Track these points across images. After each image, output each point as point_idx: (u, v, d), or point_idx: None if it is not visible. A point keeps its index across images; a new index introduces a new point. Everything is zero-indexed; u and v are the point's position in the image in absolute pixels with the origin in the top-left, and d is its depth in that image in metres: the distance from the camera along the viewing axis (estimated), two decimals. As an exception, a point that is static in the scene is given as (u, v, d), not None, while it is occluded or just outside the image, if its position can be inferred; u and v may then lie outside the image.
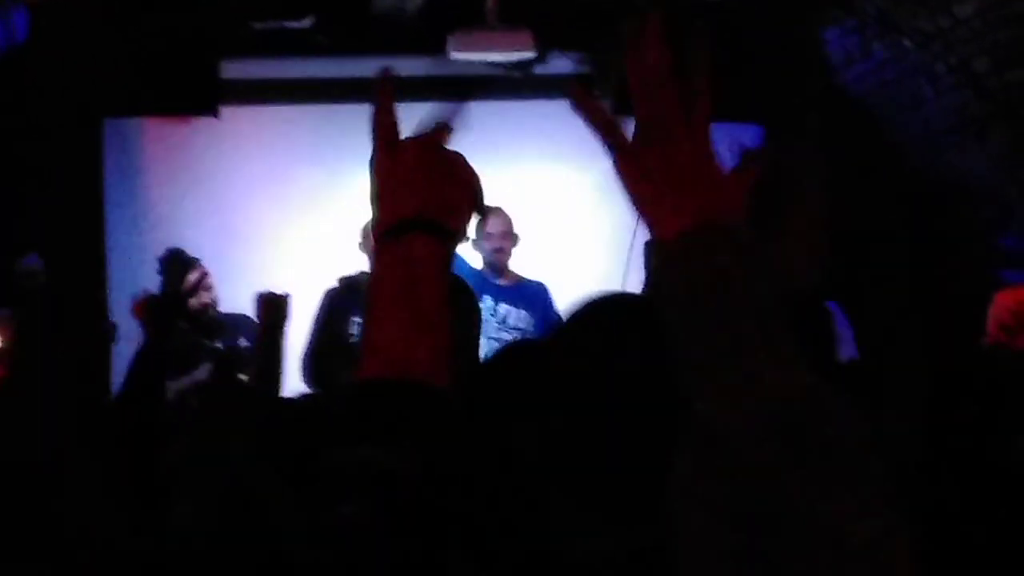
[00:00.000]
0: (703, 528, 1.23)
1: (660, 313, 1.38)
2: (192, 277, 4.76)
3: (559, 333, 1.91)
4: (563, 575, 1.64)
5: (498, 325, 7.58)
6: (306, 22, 8.16)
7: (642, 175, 1.48)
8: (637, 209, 1.47)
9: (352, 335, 7.06)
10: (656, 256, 1.43)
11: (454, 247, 1.61)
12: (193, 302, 6.23)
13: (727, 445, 1.24)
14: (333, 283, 7.54)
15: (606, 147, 1.53)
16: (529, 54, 8.00)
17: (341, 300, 7.21)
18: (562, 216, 9.12)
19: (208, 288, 6.64)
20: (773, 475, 1.21)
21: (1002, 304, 5.96)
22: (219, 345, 7.03)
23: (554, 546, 1.65)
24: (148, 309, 4.55)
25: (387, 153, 1.65)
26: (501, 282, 7.67)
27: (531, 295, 7.72)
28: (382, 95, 1.68)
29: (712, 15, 7.86)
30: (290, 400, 4.73)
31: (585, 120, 1.53)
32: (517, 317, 7.64)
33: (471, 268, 7.57)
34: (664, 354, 1.73)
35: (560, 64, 8.78)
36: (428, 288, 1.56)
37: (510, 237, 7.71)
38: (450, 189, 1.66)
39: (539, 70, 8.67)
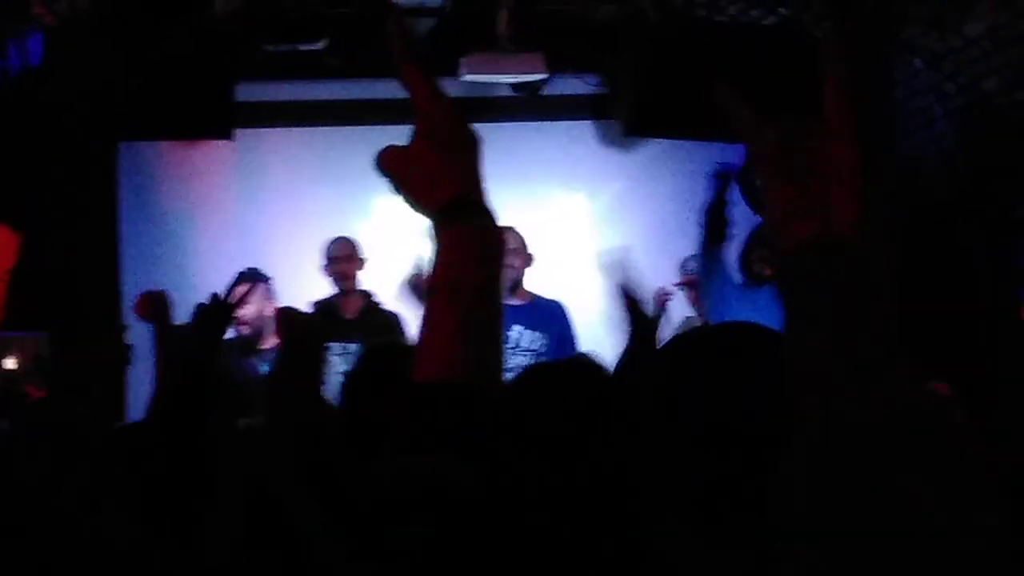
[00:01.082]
0: (813, 518, 1.27)
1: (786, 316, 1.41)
2: (239, 290, 4.77)
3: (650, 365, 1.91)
4: None
5: (511, 349, 7.53)
6: (319, 45, 8.20)
7: (783, 175, 1.49)
8: (768, 207, 1.49)
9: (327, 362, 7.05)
10: (781, 262, 1.45)
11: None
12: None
13: (847, 444, 1.28)
14: (308, 309, 7.55)
15: (749, 145, 1.55)
16: (542, 76, 8.04)
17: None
18: (570, 238, 9.14)
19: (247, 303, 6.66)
20: (894, 477, 1.24)
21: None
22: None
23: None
24: (196, 317, 4.56)
25: (434, 127, 1.64)
26: (514, 302, 7.61)
27: (546, 315, 7.66)
28: (408, 63, 1.67)
29: (713, 35, 7.90)
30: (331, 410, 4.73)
31: (732, 119, 1.55)
32: (531, 339, 7.58)
33: None
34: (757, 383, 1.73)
35: (572, 85, 8.81)
36: (496, 276, 1.56)
37: (521, 255, 7.67)
38: (478, 166, 1.66)
39: (551, 91, 8.71)
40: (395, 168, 1.65)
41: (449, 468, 1.34)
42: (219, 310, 4.48)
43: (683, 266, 8.12)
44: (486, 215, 1.60)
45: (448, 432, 1.39)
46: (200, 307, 4.67)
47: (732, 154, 8.10)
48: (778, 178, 1.50)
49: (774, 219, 1.48)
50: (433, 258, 1.59)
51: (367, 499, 1.36)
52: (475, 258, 1.55)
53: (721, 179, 7.62)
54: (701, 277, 7.70)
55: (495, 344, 1.53)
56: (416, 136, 1.65)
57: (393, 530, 1.30)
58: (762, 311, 7.08)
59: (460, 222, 1.58)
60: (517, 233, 7.63)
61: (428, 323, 1.53)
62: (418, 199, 1.63)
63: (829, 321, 1.37)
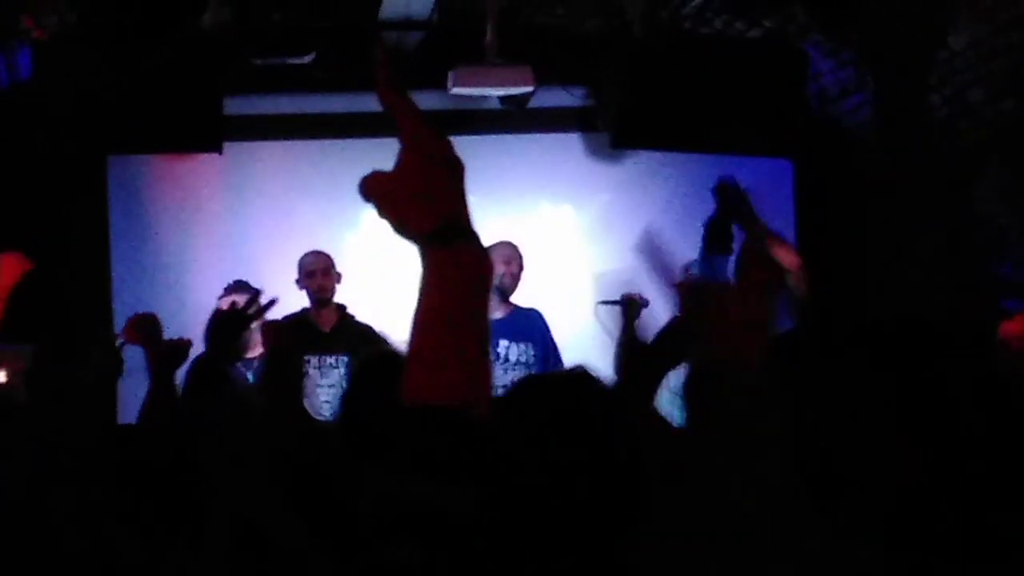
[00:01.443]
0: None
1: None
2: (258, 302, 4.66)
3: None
4: None
5: (501, 364, 7.48)
6: (307, 59, 8.22)
7: (698, 309, 1.62)
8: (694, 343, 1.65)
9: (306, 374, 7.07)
10: (689, 372, 1.60)
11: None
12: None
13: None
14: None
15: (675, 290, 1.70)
16: (529, 88, 8.06)
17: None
18: (558, 250, 9.15)
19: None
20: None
21: (1009, 332, 5.96)
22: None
23: None
24: (211, 324, 4.53)
25: (421, 152, 1.68)
26: (496, 315, 7.59)
27: (528, 324, 7.67)
28: (402, 105, 1.73)
29: (699, 48, 7.94)
30: (315, 423, 4.73)
31: (660, 278, 1.71)
32: (518, 352, 7.58)
33: None
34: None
35: (559, 98, 8.84)
36: (484, 299, 1.61)
37: (518, 263, 7.69)
38: (464, 189, 1.70)
39: (538, 104, 8.73)
40: (381, 193, 1.68)
41: (440, 490, 1.37)
42: (235, 319, 4.45)
43: (687, 270, 8.07)
44: (474, 239, 1.64)
45: (438, 454, 1.42)
46: (216, 313, 4.67)
47: (723, 166, 8.15)
48: (699, 320, 1.62)
49: (696, 353, 1.62)
50: (422, 281, 1.62)
51: (359, 519, 1.38)
52: (464, 282, 1.59)
53: (724, 191, 7.60)
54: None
55: (484, 366, 1.57)
56: (402, 161, 1.68)
57: (384, 551, 1.32)
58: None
59: (449, 246, 1.61)
60: (513, 244, 7.65)
61: (417, 346, 1.57)
62: (406, 223, 1.66)
63: (716, 435, 1.49)
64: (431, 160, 1.70)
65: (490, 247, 7.40)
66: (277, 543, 2.67)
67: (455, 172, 1.72)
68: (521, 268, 7.75)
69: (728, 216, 7.56)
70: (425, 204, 1.67)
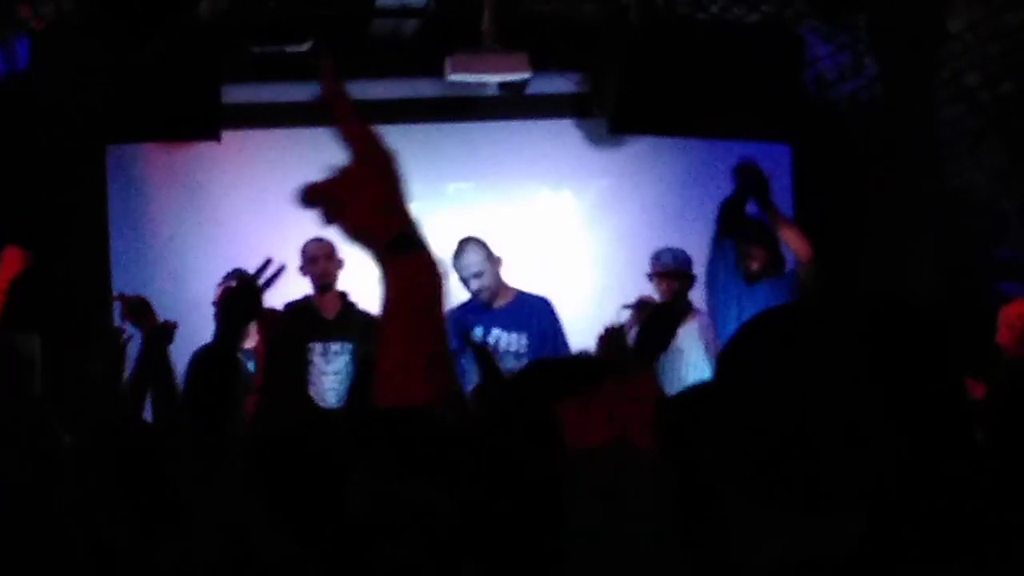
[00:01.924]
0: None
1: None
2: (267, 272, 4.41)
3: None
4: None
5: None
6: (305, 46, 8.22)
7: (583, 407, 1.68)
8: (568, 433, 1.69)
9: (311, 363, 7.04)
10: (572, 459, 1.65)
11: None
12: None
13: None
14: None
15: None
16: (526, 75, 8.07)
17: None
18: (556, 236, 9.15)
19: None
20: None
21: (1012, 315, 5.97)
22: None
23: None
24: (223, 302, 4.47)
25: (374, 161, 1.73)
26: (499, 303, 7.52)
27: (526, 313, 7.52)
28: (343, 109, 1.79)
29: (695, 33, 7.94)
30: (320, 410, 4.72)
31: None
32: (508, 341, 7.45)
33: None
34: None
35: (556, 84, 8.84)
36: (441, 303, 1.65)
37: (493, 262, 7.53)
38: (407, 197, 1.75)
39: (535, 90, 8.73)
40: (332, 201, 1.72)
41: (427, 492, 1.39)
42: (246, 294, 4.35)
43: (657, 258, 8.00)
44: (426, 247, 1.70)
45: (411, 455, 1.44)
46: (226, 291, 4.64)
47: (721, 151, 8.16)
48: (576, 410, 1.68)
49: (571, 439, 1.66)
50: (383, 288, 1.67)
51: (348, 522, 1.40)
52: (423, 289, 1.63)
53: (744, 174, 7.57)
54: (710, 270, 7.67)
55: (447, 368, 1.61)
56: (352, 170, 1.73)
57: (374, 553, 1.33)
58: (760, 306, 7.10)
59: (408, 254, 1.66)
60: (474, 247, 7.42)
61: (383, 352, 1.61)
62: (365, 232, 1.71)
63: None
64: (385, 169, 1.75)
65: (457, 254, 7.35)
66: (261, 551, 2.68)
67: (400, 178, 1.78)
68: (497, 263, 7.55)
69: (745, 199, 7.56)
70: (384, 213, 1.72)
